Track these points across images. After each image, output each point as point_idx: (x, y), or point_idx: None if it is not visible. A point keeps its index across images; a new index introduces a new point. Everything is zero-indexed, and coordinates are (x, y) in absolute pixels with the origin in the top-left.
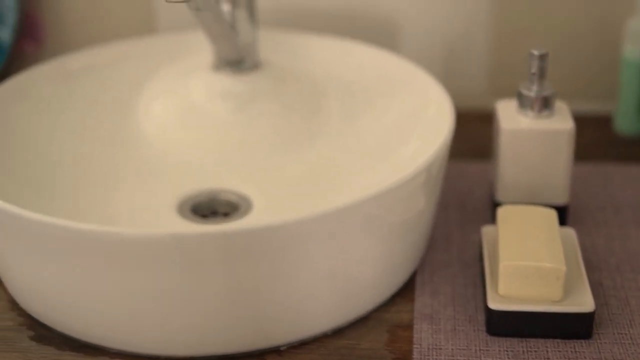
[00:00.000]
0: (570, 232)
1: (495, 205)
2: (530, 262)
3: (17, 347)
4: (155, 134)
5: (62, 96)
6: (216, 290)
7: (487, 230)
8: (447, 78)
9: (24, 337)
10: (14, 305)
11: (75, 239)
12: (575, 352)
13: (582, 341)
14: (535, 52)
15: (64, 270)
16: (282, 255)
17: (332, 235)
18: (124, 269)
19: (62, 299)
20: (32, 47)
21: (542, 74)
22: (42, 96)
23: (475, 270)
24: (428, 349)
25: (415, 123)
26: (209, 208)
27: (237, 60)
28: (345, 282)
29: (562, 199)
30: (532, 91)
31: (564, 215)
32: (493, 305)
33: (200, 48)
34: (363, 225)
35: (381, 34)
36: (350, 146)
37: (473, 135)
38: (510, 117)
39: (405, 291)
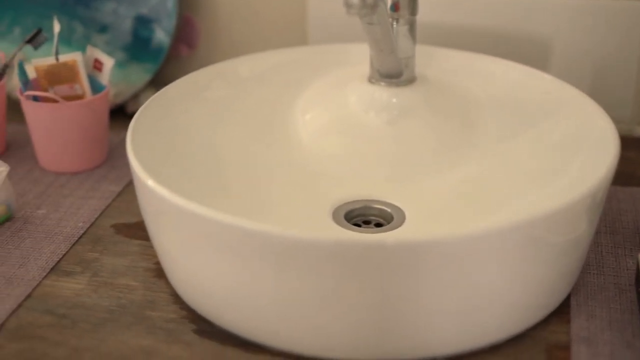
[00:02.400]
0: None
1: None
2: None
3: (182, 339)
4: (311, 141)
5: (229, 97)
6: (374, 297)
7: None
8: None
9: (187, 329)
10: (177, 298)
11: (246, 238)
12: None
13: None
14: None
15: (229, 267)
16: (443, 269)
17: (493, 252)
18: (287, 270)
19: (226, 295)
20: (186, 51)
21: None
22: (211, 95)
23: (631, 296)
24: None
25: (577, 146)
26: (361, 217)
27: (394, 74)
28: (503, 300)
29: None
30: None
31: None
32: None
33: (355, 60)
34: (525, 245)
35: (530, 54)
36: (505, 165)
37: (619, 161)
38: None
39: (561, 312)
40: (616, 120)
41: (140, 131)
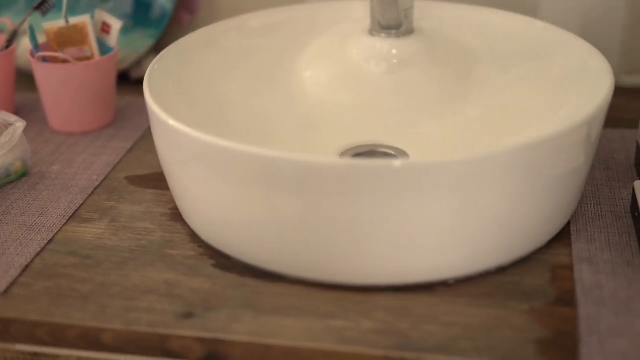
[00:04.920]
0: None
1: None
2: None
3: (202, 272)
4: (316, 92)
5: (241, 47)
6: (385, 222)
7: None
8: None
9: (207, 264)
10: (194, 238)
11: (262, 165)
12: None
13: None
14: None
15: (248, 200)
16: (448, 192)
17: (495, 177)
18: (302, 198)
19: (245, 228)
20: (188, 17)
21: None
22: (226, 46)
23: (627, 222)
24: (590, 287)
25: (573, 83)
26: None
27: (394, 25)
28: (506, 224)
29: None
30: None
31: None
32: None
33: (356, 16)
34: (526, 172)
35: (519, 7)
36: (504, 107)
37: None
38: None
39: (562, 238)
40: None
41: (157, 78)
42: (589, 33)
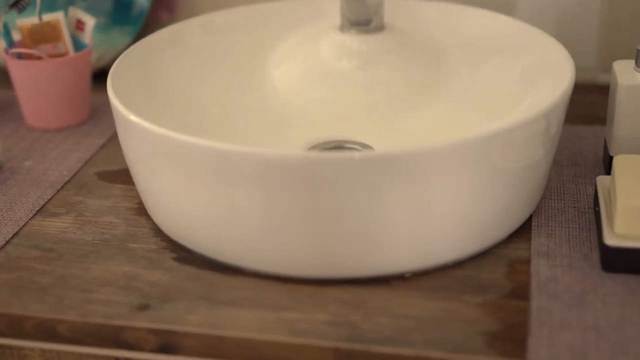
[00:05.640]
0: None
1: (608, 159)
2: None
3: (162, 266)
4: (286, 88)
5: (208, 45)
6: (344, 215)
7: (601, 179)
8: None
9: (167, 258)
10: (157, 232)
11: (221, 159)
12: None
13: None
14: None
15: (207, 194)
16: (408, 185)
17: (452, 169)
18: (260, 191)
19: (204, 222)
20: (167, 16)
21: None
22: (192, 43)
23: (589, 217)
24: (545, 280)
25: (537, 77)
26: None
27: (364, 22)
28: (465, 218)
29: None
30: None
31: None
32: (610, 242)
33: (325, 13)
34: (483, 164)
35: (496, 7)
36: (470, 103)
37: (581, 104)
38: (628, 74)
39: (522, 232)
40: (581, 69)
41: (121, 74)
42: (566, 31)
